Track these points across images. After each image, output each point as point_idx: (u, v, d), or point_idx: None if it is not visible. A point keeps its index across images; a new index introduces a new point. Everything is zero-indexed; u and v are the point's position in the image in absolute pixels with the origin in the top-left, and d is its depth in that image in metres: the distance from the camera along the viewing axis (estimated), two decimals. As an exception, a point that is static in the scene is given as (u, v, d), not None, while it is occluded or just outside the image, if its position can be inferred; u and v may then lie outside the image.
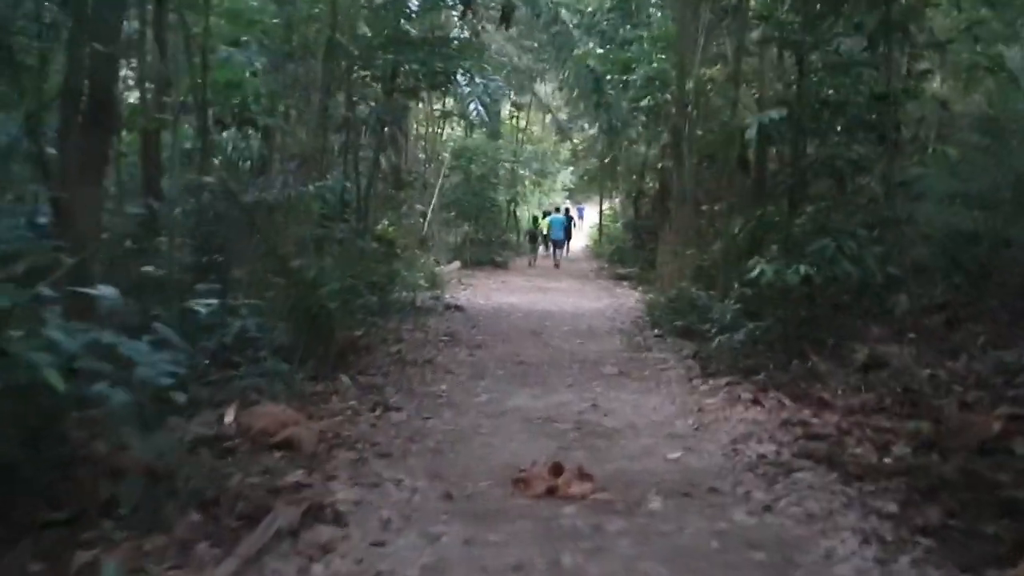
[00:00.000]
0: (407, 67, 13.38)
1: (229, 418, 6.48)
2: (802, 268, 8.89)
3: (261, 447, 5.97)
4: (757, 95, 12.90)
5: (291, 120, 13.15)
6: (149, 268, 6.81)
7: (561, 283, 22.83)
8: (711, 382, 9.00)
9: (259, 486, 5.15)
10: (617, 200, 39.83)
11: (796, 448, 6.46)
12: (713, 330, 10.05)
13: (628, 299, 18.55)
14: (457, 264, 25.84)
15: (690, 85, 13.69)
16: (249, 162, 10.53)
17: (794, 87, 11.35)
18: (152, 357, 4.18)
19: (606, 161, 29.44)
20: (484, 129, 32.64)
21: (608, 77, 21.22)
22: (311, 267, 8.85)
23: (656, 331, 12.56)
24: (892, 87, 10.60)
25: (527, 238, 31.85)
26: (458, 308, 14.97)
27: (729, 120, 12.37)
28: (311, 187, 8.59)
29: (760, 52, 12.43)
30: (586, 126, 35.47)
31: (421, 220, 25.96)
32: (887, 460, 6.14)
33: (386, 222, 16.58)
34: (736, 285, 11.24)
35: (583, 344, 11.78)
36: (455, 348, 11.09)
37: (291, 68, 11.23)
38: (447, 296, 17.32)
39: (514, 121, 36.40)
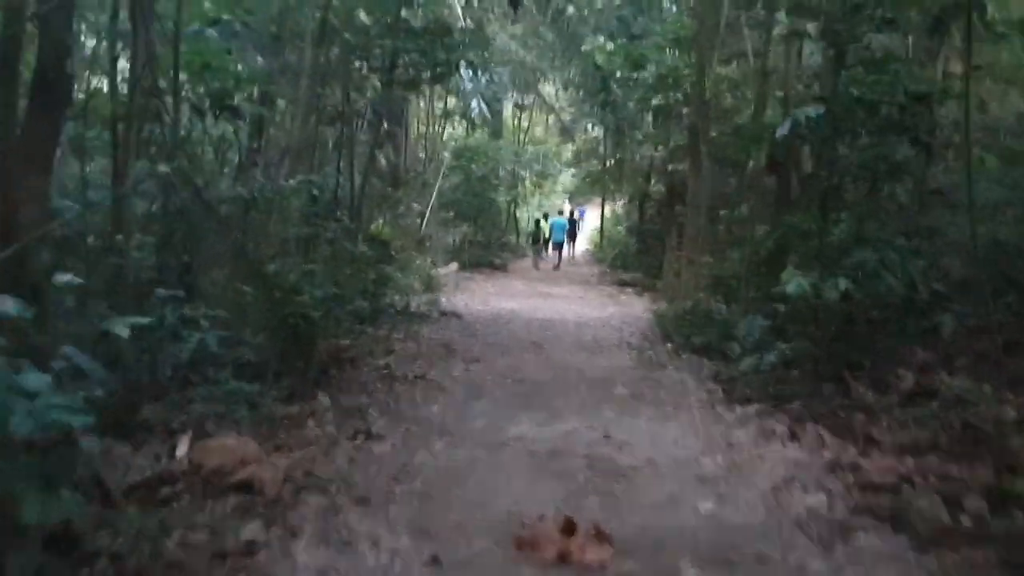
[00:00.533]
0: (407, 57, 12.39)
1: (181, 451, 5.46)
2: (841, 282, 7.88)
3: (214, 490, 4.95)
4: (781, 93, 11.90)
5: (279, 110, 12.14)
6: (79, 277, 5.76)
7: (563, 288, 21.80)
8: (738, 410, 7.98)
9: (202, 548, 4.13)
10: (619, 203, 38.85)
11: (851, 500, 5.44)
12: (738, 349, 9.04)
13: (634, 307, 17.53)
14: (455, 266, 24.80)
15: (709, 82, 12.67)
16: (234, 154, 9.49)
17: (825, 83, 10.48)
18: (51, 398, 3.15)
19: (611, 163, 28.41)
20: (486, 128, 31.79)
21: (616, 75, 20.21)
22: (292, 271, 7.84)
23: (669, 345, 11.54)
24: (932, 86, 9.61)
25: (529, 240, 30.85)
26: (455, 315, 13.95)
27: (753, 118, 11.37)
28: (292, 182, 7.54)
29: (786, 47, 11.43)
30: (590, 127, 34.54)
31: (419, 220, 24.97)
32: (963, 519, 5.13)
33: (381, 222, 15.57)
34: (755, 298, 10.32)
35: (590, 359, 10.75)
36: (450, 361, 10.05)
37: (279, 52, 10.20)
38: (444, 301, 16.29)
39: (516, 122, 35.43)
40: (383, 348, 10.00)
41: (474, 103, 17.73)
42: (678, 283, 16.76)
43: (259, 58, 9.62)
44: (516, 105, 34.03)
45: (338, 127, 13.64)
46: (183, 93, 7.87)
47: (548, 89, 31.34)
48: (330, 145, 13.99)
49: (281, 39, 9.67)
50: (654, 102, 16.97)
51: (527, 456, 6.39)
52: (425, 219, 24.94)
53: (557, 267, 28.66)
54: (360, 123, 13.97)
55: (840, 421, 7.49)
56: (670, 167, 18.86)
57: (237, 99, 8.81)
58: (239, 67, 9.15)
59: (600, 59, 19.70)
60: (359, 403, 7.54)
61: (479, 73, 17.91)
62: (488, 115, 17.90)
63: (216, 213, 6.49)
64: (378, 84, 12.57)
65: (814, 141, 9.51)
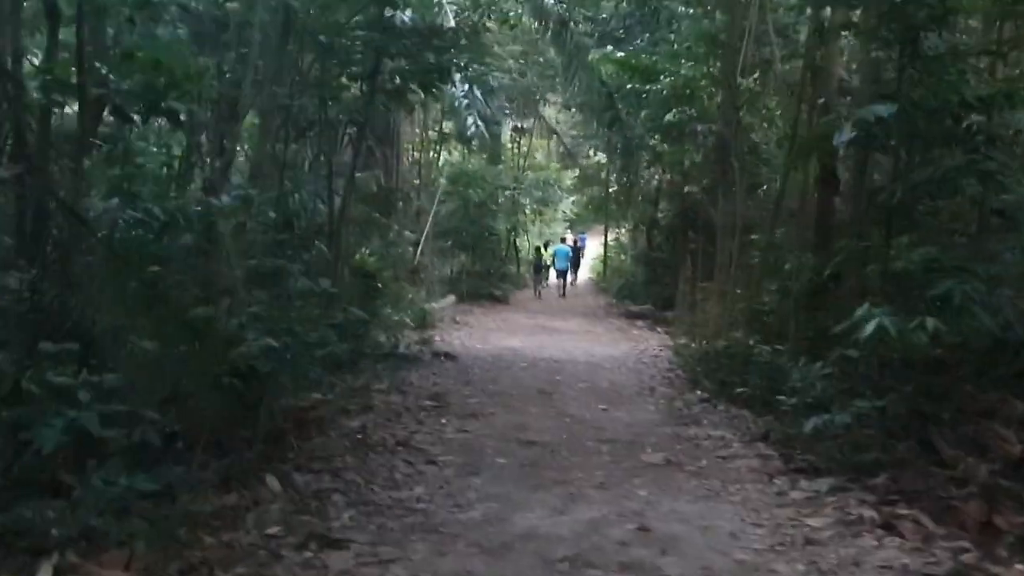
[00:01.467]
0: (391, 62, 10.77)
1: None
2: (930, 322, 6.18)
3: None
4: (822, 99, 10.28)
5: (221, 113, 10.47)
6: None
7: (568, 322, 20.10)
8: (804, 484, 6.25)
9: None
10: (623, 230, 37.23)
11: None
12: (792, 402, 7.32)
13: (648, 343, 15.82)
14: (452, 299, 23.11)
15: (742, 85, 11.06)
16: (168, 167, 7.81)
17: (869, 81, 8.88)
18: None
19: (615, 188, 26.82)
20: (484, 153, 30.21)
21: (625, 89, 18.63)
22: (239, 314, 6.12)
23: (700, 393, 9.81)
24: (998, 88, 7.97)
25: (531, 269, 30.23)
26: (449, 356, 12.22)
27: (793, 128, 9.70)
28: (228, 198, 5.85)
29: (830, 42, 9.81)
30: (592, 152, 33.01)
31: (412, 249, 23.30)
32: None
33: (366, 250, 13.90)
34: (807, 337, 8.64)
35: (609, 411, 9.02)
36: (441, 419, 8.31)
37: (231, 46, 8.53)
38: (438, 339, 14.59)
39: (516, 146, 33.89)
40: (360, 403, 8.27)
41: (470, 121, 16.09)
42: (695, 316, 15.07)
43: (211, 52, 7.95)
44: (515, 128, 32.52)
45: (315, 143, 12.01)
46: (106, 89, 6.16)
47: (549, 111, 29.75)
48: (307, 163, 12.33)
49: (229, 28, 7.99)
50: (667, 118, 15.36)
51: (541, 568, 4.65)
52: (419, 248, 23.29)
53: (562, 295, 28.30)
54: (342, 138, 12.32)
55: (942, 501, 5.79)
56: (686, 188, 17.20)
57: (186, 102, 7.10)
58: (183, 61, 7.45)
59: (606, 71, 18.12)
60: (321, 485, 5.80)
61: (474, 88, 16.28)
62: (486, 134, 16.25)
63: (93, 235, 4.78)
64: (359, 92, 10.91)
65: (883, 149, 7.87)
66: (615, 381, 10.93)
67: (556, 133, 29.62)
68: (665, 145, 15.42)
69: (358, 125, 11.43)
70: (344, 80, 11.16)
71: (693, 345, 13.15)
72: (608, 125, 19.68)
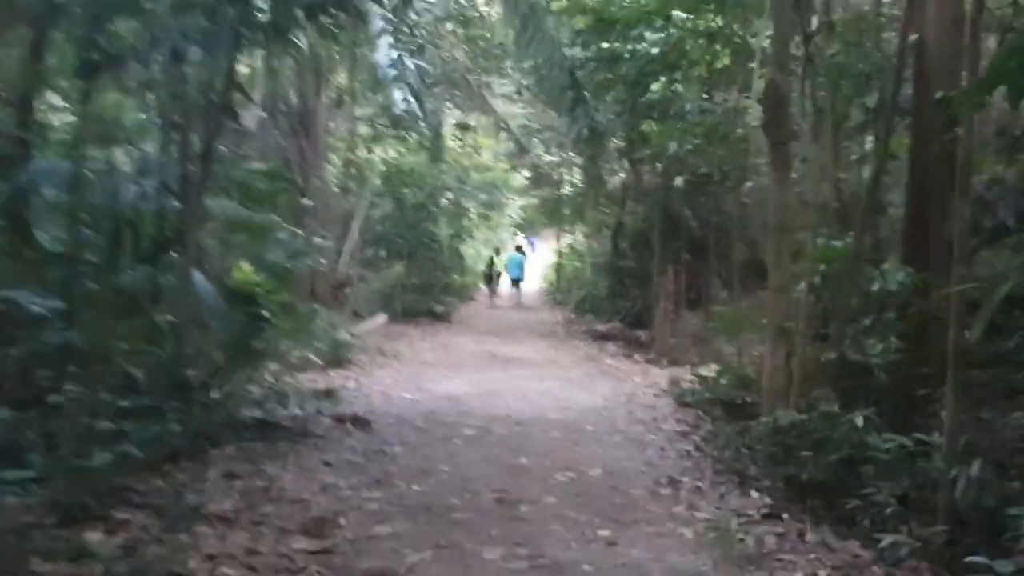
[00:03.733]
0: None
1: None
2: None
3: None
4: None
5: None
6: None
7: (524, 346, 16.14)
8: None
9: None
10: (579, 234, 33.45)
11: None
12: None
13: (632, 380, 11.98)
14: (382, 319, 18.99)
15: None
16: None
17: None
18: None
19: (583, 183, 23.00)
20: (422, 148, 26.13)
21: (591, 63, 14.80)
22: None
23: (757, 495, 5.91)
24: None
25: (484, 279, 29.37)
26: (359, 422, 8.11)
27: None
28: None
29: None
30: (544, 150, 29.13)
31: (335, 260, 19.16)
32: None
33: (246, 264, 9.79)
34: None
35: (617, 547, 5.05)
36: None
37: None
38: (351, 384, 10.55)
39: (459, 144, 29.88)
40: (159, 557, 4.17)
41: (399, 96, 12.09)
42: (702, 349, 11.33)
43: None
44: (459, 124, 28.49)
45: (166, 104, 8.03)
46: None
47: (497, 104, 25.74)
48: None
49: None
50: (654, 88, 11.53)
51: None
52: (343, 259, 19.14)
53: (519, 304, 27.37)
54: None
55: None
56: (678, 181, 13.37)
57: None
58: None
59: (571, 36, 14.22)
60: None
61: (403, 58, 12.31)
62: (419, 114, 12.22)
63: None
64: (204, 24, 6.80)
65: None
66: (611, 465, 6.96)
67: (505, 125, 25.56)
68: (653, 124, 11.52)
69: (219, 79, 7.36)
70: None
71: (707, 395, 9.31)
72: (570, 108, 15.76)
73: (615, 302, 20.21)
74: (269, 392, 8.47)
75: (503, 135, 30.16)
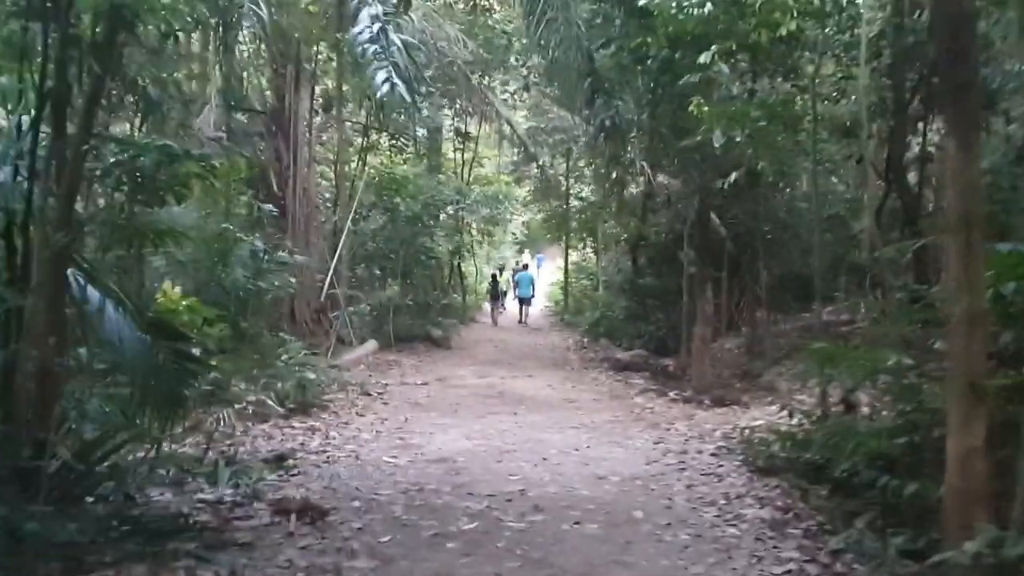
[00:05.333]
0: None
1: None
2: None
3: None
4: None
5: None
6: None
7: (537, 380, 13.57)
8: None
9: None
10: (589, 250, 30.93)
11: None
12: None
13: (674, 426, 9.40)
14: (372, 346, 16.44)
15: None
16: None
17: None
18: None
19: (603, 188, 20.52)
20: (418, 152, 23.69)
21: (608, 42, 12.39)
22: None
23: None
24: None
25: (488, 298, 27.58)
26: (310, 513, 5.49)
27: None
28: None
29: None
30: (552, 159, 26.65)
31: (320, 280, 16.64)
32: None
33: (172, 285, 7.24)
34: None
35: None
36: None
37: None
38: (315, 441, 7.97)
39: (459, 154, 27.44)
40: None
41: (381, 77, 9.56)
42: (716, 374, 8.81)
43: None
44: (458, 132, 26.07)
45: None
46: None
47: (503, 104, 23.26)
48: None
49: None
50: (703, 58, 9.00)
51: None
52: (328, 279, 16.61)
53: (523, 322, 26.01)
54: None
55: None
56: (732, 177, 10.80)
57: None
58: None
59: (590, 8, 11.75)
60: None
61: (388, 30, 9.79)
62: (406, 97, 9.68)
63: None
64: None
65: None
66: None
67: (509, 127, 23.04)
68: (700, 104, 8.95)
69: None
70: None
71: (793, 456, 6.74)
72: (587, 100, 13.28)
73: (635, 325, 17.68)
74: (190, 466, 5.93)
75: (506, 144, 27.76)
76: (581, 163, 26.14)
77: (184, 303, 7.18)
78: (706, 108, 8.93)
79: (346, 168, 21.02)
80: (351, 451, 7.53)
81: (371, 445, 7.91)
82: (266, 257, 10.15)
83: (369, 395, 11.11)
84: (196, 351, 6.70)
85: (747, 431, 9.07)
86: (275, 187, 15.99)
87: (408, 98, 10.25)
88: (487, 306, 28.22)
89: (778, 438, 7.38)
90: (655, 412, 10.56)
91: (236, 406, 8.60)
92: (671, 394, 12.04)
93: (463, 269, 28.21)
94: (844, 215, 15.11)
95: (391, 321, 18.06)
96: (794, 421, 7.43)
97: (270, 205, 12.89)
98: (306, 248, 15.95)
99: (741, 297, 16.34)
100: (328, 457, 7.24)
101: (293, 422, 8.78)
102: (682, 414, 10.39)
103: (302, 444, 7.69)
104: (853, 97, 10.89)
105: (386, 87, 9.95)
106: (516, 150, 24.97)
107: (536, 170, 25.16)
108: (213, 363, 7.20)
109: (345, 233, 17.45)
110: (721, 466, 7.38)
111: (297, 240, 15.52)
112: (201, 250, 10.03)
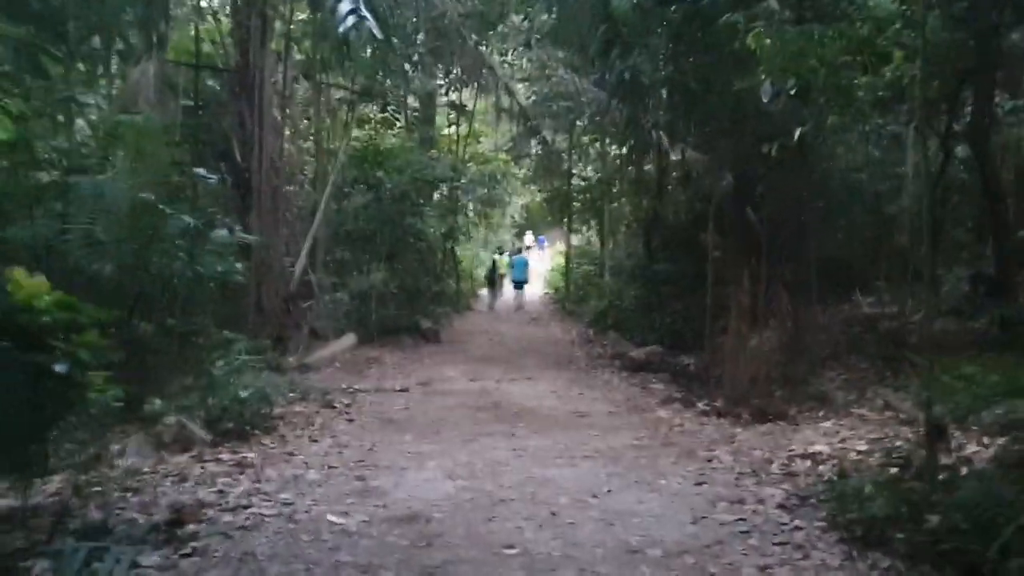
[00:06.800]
0: None
1: None
2: None
3: None
4: None
5: None
6: None
7: (537, 383, 11.42)
8: None
9: None
10: (591, 233, 28.76)
11: None
12: None
13: (721, 460, 7.22)
14: (349, 341, 14.31)
15: None
16: None
17: None
18: None
19: (621, 159, 18.31)
20: (408, 123, 21.44)
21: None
22: None
23: None
24: None
25: (486, 281, 26.81)
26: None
27: None
28: None
29: None
30: (554, 134, 24.36)
31: (291, 264, 14.47)
32: None
33: (26, 270, 5.12)
34: None
35: None
36: None
37: None
38: (238, 492, 5.79)
39: (454, 129, 25.16)
40: None
41: (345, 6, 7.34)
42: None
43: None
44: (453, 105, 23.80)
45: None
46: None
47: (502, 72, 20.94)
48: None
49: None
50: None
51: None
52: (299, 264, 14.42)
53: (520, 308, 24.61)
54: None
55: None
56: (774, 148, 8.62)
57: None
58: None
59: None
60: None
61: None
62: (376, 30, 7.48)
63: None
64: None
65: None
66: None
67: (508, 92, 20.72)
68: (761, 31, 6.68)
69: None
70: None
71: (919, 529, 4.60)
72: (601, 52, 11.07)
73: (649, 317, 15.52)
74: (27, 543, 3.81)
75: (505, 120, 25.47)
76: (584, 139, 23.96)
77: (49, 297, 5.01)
78: (767, 40, 6.68)
79: (327, 140, 18.87)
80: (285, 505, 5.37)
81: (316, 492, 5.75)
82: (196, 235, 7.93)
83: (333, 408, 8.96)
84: (62, 367, 4.65)
85: (811, 463, 6.98)
86: (238, 157, 13.82)
87: (379, 34, 8.09)
88: (484, 292, 26.54)
89: (878, 490, 5.24)
90: (686, 432, 8.41)
91: (148, 431, 6.51)
92: (700, 404, 9.91)
93: (458, 254, 26.04)
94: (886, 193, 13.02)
95: (374, 311, 15.91)
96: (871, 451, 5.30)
97: (217, 176, 10.67)
98: (274, 228, 13.79)
99: (768, 286, 14.19)
100: (249, 517, 5.08)
101: (222, 452, 6.63)
102: (720, 435, 8.24)
103: (220, 493, 5.53)
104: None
105: (351, 19, 7.82)
106: (515, 125, 22.61)
107: (537, 146, 22.80)
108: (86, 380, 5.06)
109: (321, 210, 15.27)
110: (798, 528, 5.24)
111: (264, 218, 13.35)
112: (124, 227, 7.90)
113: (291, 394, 9.30)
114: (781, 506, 5.71)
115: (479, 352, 15.00)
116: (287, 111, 19.01)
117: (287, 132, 18.83)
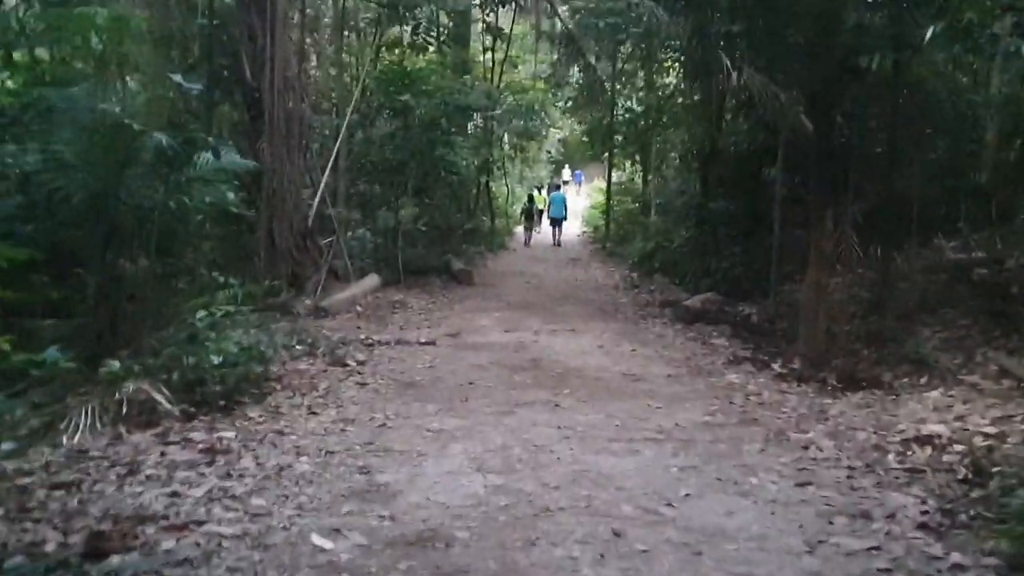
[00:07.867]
0: None
1: None
2: None
3: None
4: None
5: None
6: None
7: (580, 336, 9.92)
8: None
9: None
10: (634, 169, 26.89)
11: None
12: None
13: (822, 445, 5.69)
14: (372, 282, 12.90)
15: None
16: None
17: None
18: None
19: (681, 78, 16.48)
20: (440, 43, 19.70)
21: None
22: None
23: None
24: None
25: (522, 217, 25.75)
26: None
27: None
28: None
29: None
30: (593, 59, 22.29)
31: (309, 198, 13.01)
32: None
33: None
34: None
35: None
36: None
37: None
38: (196, 495, 4.35)
39: (488, 54, 23.21)
40: None
41: None
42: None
43: None
44: (488, 27, 21.85)
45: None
46: None
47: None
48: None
49: None
50: None
51: None
52: (317, 197, 12.94)
53: (557, 244, 24.15)
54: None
55: None
56: (872, 62, 6.87)
57: None
58: None
59: None
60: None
61: None
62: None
63: None
64: None
65: None
66: None
67: (553, 8, 18.73)
68: None
69: None
70: None
71: None
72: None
73: (702, 261, 13.89)
74: None
75: (543, 43, 23.48)
76: (629, 67, 21.99)
77: None
78: None
79: (354, 64, 17.22)
80: (255, 518, 3.96)
81: (304, 493, 4.34)
82: (173, 157, 6.43)
83: (345, 366, 7.55)
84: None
85: (931, 450, 5.47)
86: (248, 75, 12.28)
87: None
88: (519, 230, 25.09)
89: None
90: (766, 403, 6.87)
91: (105, 400, 5.14)
92: (775, 366, 8.35)
93: (492, 189, 24.42)
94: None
95: (400, 250, 14.45)
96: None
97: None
98: (289, 156, 12.29)
99: (847, 228, 12.47)
100: (200, 540, 3.67)
101: (194, 430, 5.25)
102: (808, 408, 6.70)
103: (172, 496, 4.13)
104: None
105: None
106: (557, 47, 20.68)
107: (578, 72, 20.86)
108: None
109: (342, 137, 13.72)
110: (961, 568, 3.73)
111: (276, 144, 11.86)
112: (95, 147, 6.46)
113: (297, 347, 7.92)
114: (923, 526, 4.20)
115: (515, 297, 13.51)
116: (315, 34, 17.33)
117: (313, 57, 17.19)
